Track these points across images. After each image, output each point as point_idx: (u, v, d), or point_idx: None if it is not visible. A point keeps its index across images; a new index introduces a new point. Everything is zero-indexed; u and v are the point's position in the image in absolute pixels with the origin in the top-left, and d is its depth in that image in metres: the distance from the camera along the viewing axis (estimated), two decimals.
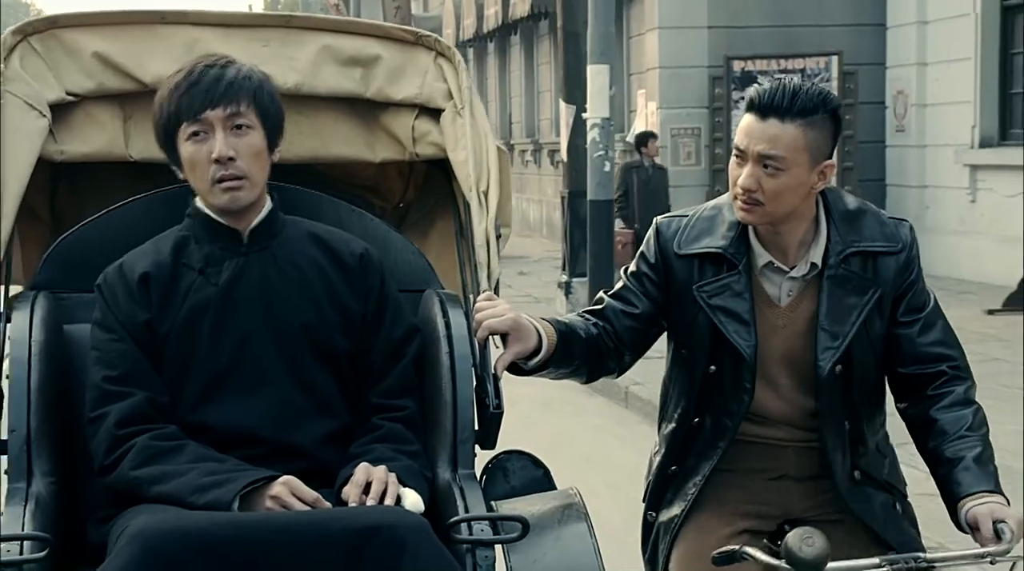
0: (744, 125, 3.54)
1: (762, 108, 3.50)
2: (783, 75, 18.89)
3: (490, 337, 3.50)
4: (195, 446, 3.39)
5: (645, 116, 20.34)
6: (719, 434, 3.69)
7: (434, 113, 4.13)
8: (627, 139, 20.91)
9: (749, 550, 3.18)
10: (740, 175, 3.53)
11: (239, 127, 3.49)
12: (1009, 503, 3.39)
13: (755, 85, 3.61)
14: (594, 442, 9.87)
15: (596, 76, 15.26)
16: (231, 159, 3.46)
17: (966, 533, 3.40)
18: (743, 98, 18.48)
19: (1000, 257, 16.37)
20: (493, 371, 3.59)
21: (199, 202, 3.60)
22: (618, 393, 11.39)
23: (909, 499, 3.78)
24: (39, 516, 3.29)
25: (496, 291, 3.90)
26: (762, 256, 3.63)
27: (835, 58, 18.73)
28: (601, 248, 15.39)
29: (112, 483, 3.39)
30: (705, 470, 3.69)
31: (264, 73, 3.61)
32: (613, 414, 11.12)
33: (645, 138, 16.56)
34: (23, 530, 3.21)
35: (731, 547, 3.24)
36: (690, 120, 18.41)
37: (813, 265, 3.62)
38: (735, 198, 3.57)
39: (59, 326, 3.71)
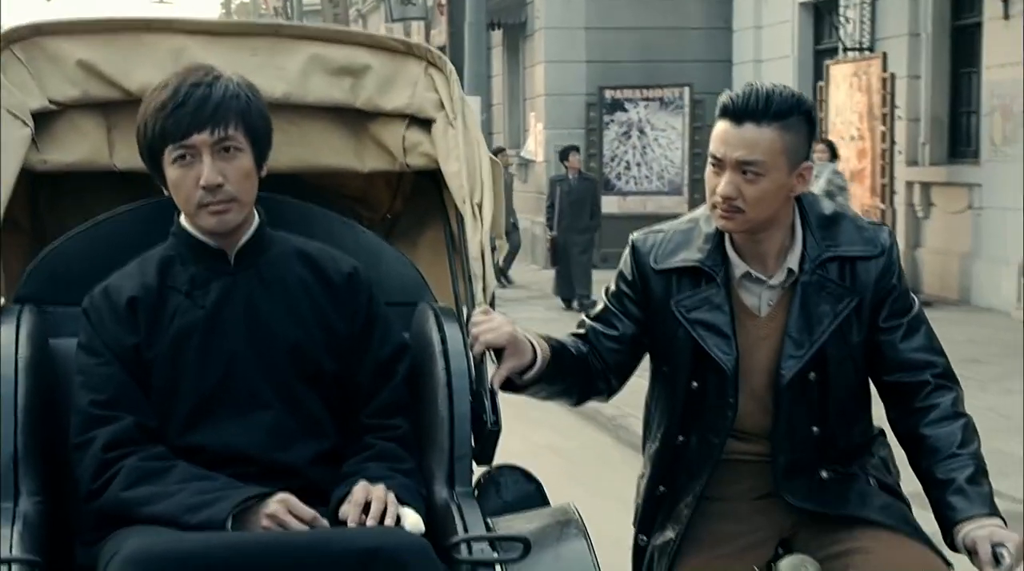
0: (719, 133, 2.90)
1: (736, 113, 2.87)
2: (646, 102, 18.73)
3: (487, 351, 2.86)
4: (185, 465, 2.77)
5: (535, 135, 20.75)
6: (706, 452, 3.03)
7: (425, 123, 3.38)
8: (521, 154, 20.58)
9: None
10: (719, 184, 2.89)
11: (227, 150, 2.81)
12: (1006, 524, 2.85)
13: (726, 91, 2.95)
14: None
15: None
16: (219, 186, 2.80)
17: (960, 553, 2.86)
18: (612, 120, 18.15)
19: None
20: (490, 386, 2.95)
21: (184, 220, 2.93)
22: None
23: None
24: (27, 537, 2.68)
25: (491, 304, 3.22)
26: (739, 266, 3.00)
27: (687, 88, 19.08)
28: None
29: (101, 507, 2.76)
30: (696, 489, 3.03)
31: (252, 86, 2.92)
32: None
33: (567, 152, 15.93)
34: (11, 552, 2.63)
35: None
36: (570, 139, 18.22)
37: (790, 271, 3.00)
38: (713, 207, 2.93)
39: (45, 340, 3.04)
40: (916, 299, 3.06)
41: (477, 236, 3.23)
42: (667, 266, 3.01)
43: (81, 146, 3.25)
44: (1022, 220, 12.71)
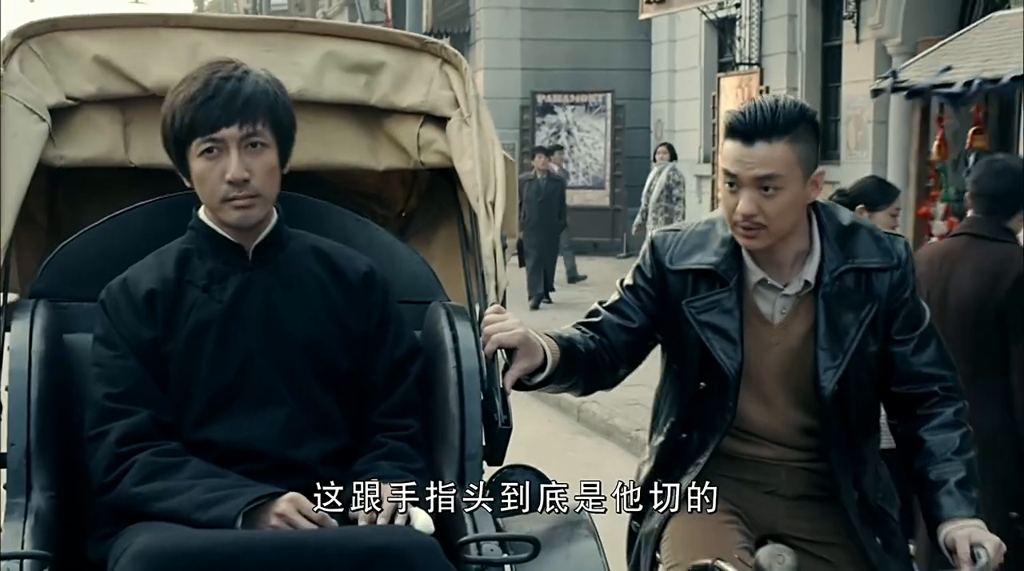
0: (731, 152, 2.58)
1: (747, 133, 2.56)
2: (573, 106, 18.48)
3: (498, 351, 2.53)
4: (197, 462, 2.46)
5: None
6: (701, 450, 2.76)
7: (440, 121, 3.01)
8: None
9: (723, 565, 2.44)
10: (737, 202, 2.58)
11: (254, 145, 2.49)
12: (989, 529, 2.62)
13: (729, 111, 2.63)
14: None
15: None
16: (245, 181, 2.47)
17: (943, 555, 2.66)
18: (543, 122, 17.55)
19: None
20: (501, 386, 2.59)
21: (203, 214, 2.60)
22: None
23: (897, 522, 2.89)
24: (39, 532, 2.39)
25: (503, 302, 2.86)
26: (755, 273, 2.70)
27: (609, 94, 18.93)
28: None
29: (112, 501, 2.45)
30: (684, 484, 2.70)
31: (278, 82, 2.59)
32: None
33: (535, 154, 15.15)
34: (23, 546, 2.33)
35: (704, 562, 2.48)
36: (506, 138, 17.74)
37: (806, 283, 2.70)
38: (734, 225, 2.62)
39: (59, 336, 2.69)
40: (927, 311, 2.79)
41: (490, 234, 2.88)
42: (682, 267, 2.72)
43: (97, 142, 2.90)
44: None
